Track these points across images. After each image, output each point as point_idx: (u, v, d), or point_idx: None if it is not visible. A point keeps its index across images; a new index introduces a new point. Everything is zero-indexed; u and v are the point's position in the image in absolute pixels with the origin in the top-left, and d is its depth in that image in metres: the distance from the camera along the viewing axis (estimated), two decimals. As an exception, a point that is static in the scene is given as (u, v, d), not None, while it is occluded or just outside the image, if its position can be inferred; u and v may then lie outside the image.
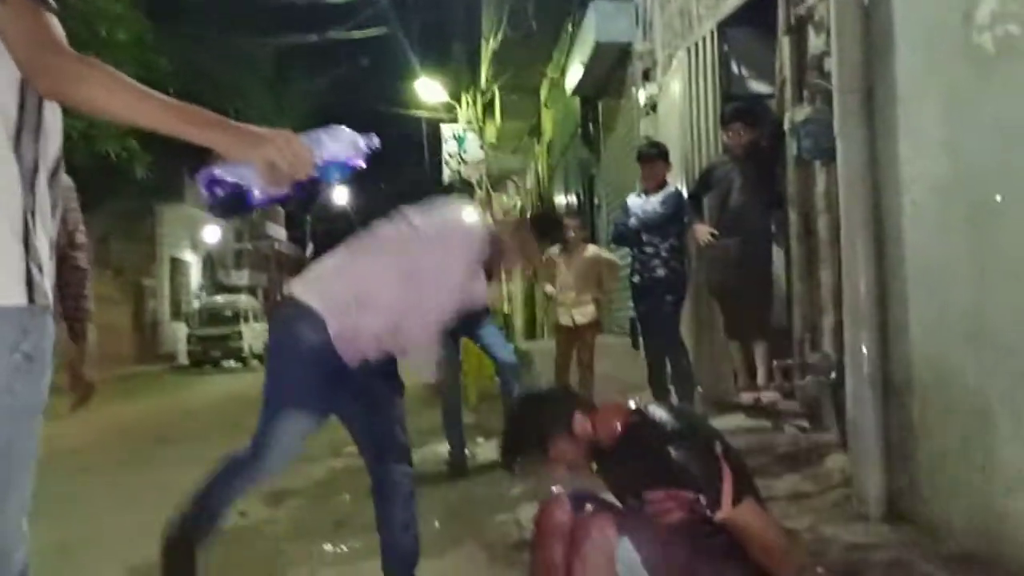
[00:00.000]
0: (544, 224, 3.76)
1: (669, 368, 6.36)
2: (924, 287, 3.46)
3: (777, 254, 5.75)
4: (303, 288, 3.11)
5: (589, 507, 2.43)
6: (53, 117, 1.74)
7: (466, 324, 6.31)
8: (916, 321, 3.50)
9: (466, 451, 6.33)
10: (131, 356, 24.72)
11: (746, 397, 5.82)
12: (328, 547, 4.45)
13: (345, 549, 4.40)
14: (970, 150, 3.12)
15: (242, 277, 38.50)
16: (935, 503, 3.38)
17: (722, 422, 5.19)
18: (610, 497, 2.56)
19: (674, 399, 6.05)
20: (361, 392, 3.17)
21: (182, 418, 11.95)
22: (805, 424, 5.09)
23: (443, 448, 6.35)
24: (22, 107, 1.66)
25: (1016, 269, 2.86)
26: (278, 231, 45.70)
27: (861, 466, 3.72)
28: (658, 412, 2.43)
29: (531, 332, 19.44)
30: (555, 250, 7.56)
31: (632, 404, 2.53)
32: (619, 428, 2.45)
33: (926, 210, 3.43)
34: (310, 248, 37.75)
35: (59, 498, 4.63)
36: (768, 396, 5.57)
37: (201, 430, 9.40)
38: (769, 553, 2.31)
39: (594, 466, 2.63)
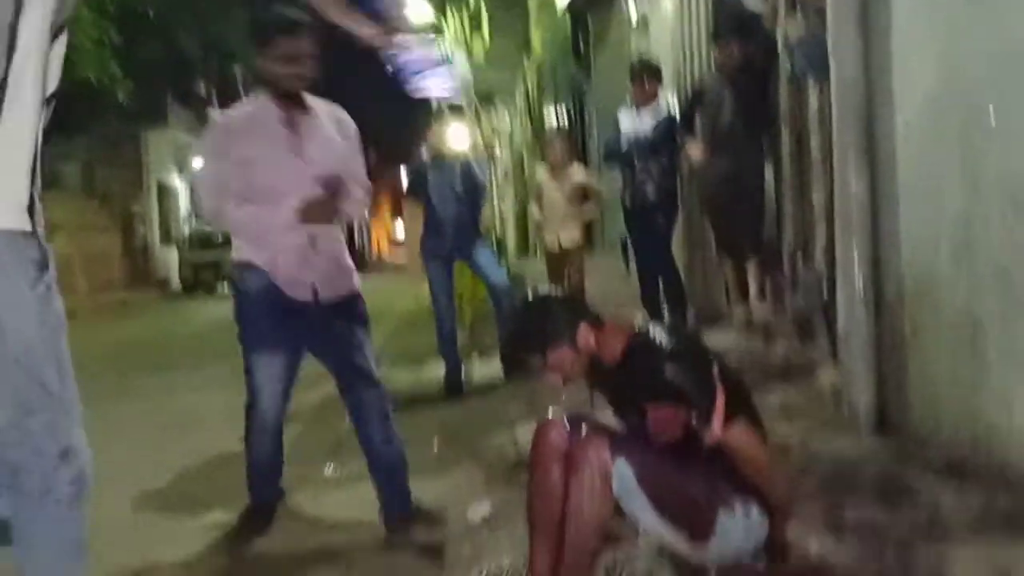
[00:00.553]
0: None
1: (661, 287, 6.39)
2: (916, 203, 3.45)
3: (768, 172, 5.71)
4: (237, 247, 3.44)
5: (585, 429, 2.45)
6: (61, 49, 1.80)
7: (460, 246, 6.33)
8: (907, 237, 3.51)
9: (462, 372, 6.39)
10: (122, 282, 24.65)
11: (738, 313, 5.85)
12: (327, 470, 4.51)
13: (343, 471, 4.46)
14: (964, 65, 3.08)
15: (232, 201, 38.08)
16: (925, 417, 3.43)
17: (714, 339, 5.23)
18: (606, 419, 2.59)
19: (666, 318, 6.09)
20: (320, 328, 3.40)
21: (175, 345, 11.94)
22: (796, 340, 5.13)
23: (439, 370, 6.41)
24: (52, 42, 1.71)
25: (1007, 186, 2.85)
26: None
27: (852, 380, 3.76)
28: (658, 332, 2.43)
29: (524, 249, 19.43)
30: (542, 172, 7.51)
31: (637, 325, 2.53)
32: (620, 351, 2.46)
33: (919, 126, 3.40)
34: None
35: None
36: (760, 312, 5.61)
37: (194, 357, 9.42)
38: (760, 473, 2.36)
39: (589, 382, 2.65)
